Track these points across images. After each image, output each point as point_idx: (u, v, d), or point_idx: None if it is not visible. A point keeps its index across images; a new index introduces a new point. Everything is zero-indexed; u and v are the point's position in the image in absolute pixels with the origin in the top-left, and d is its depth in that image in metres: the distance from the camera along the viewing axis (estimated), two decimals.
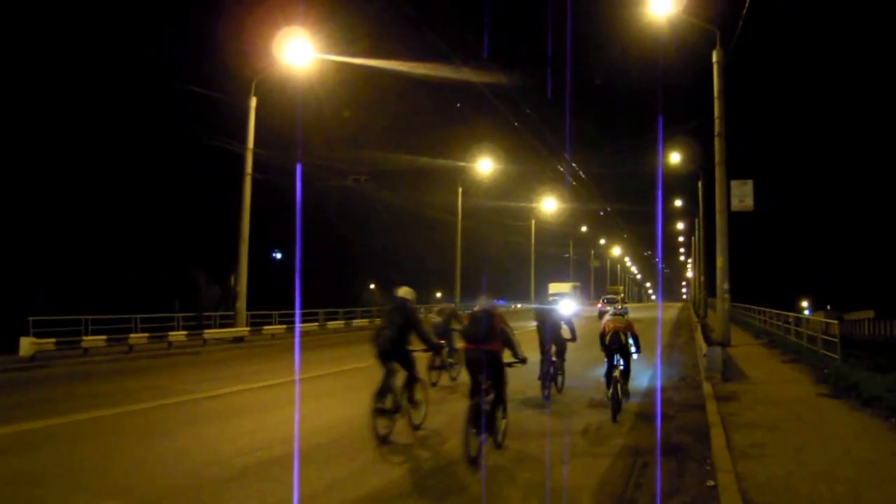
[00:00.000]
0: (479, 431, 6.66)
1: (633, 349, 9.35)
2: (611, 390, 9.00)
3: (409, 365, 7.91)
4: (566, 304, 11.27)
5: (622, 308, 11.60)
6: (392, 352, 7.80)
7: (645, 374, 13.54)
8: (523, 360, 7.20)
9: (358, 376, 13.99)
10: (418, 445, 7.60)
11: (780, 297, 40.25)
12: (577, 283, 56.60)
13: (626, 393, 9.41)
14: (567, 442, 7.73)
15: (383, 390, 7.62)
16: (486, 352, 6.91)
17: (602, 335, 9.40)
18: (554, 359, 10.51)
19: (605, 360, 9.36)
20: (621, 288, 69.90)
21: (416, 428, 8.06)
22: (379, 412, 7.51)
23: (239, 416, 9.46)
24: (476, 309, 7.33)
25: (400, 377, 7.90)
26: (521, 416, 8.88)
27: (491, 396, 6.95)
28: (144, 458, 7.06)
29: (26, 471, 6.60)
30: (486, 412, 6.76)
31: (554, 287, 50.83)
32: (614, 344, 9.17)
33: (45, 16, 32.99)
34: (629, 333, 9.37)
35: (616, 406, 8.84)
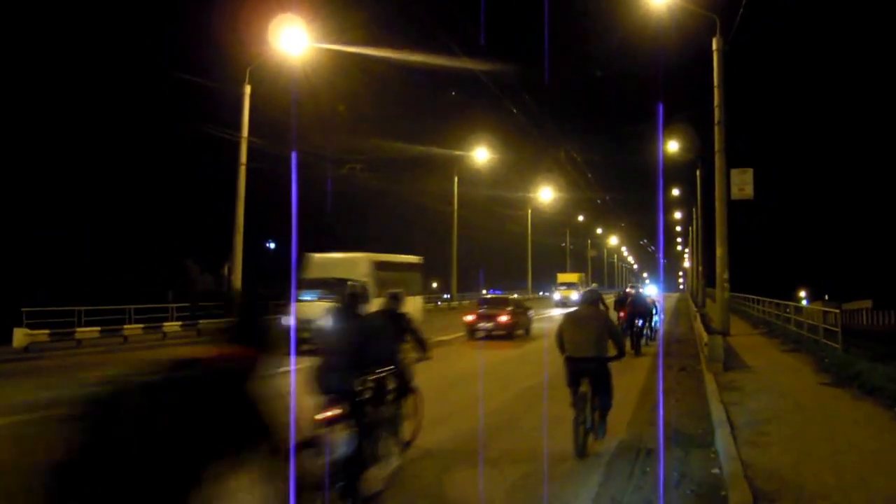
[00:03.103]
0: (634, 345, 14.88)
1: (654, 312, 17.76)
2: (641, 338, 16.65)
3: None
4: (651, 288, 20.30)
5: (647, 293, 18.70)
6: None
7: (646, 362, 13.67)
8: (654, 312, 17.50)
9: None
10: None
11: (777, 286, 40.05)
12: (416, 259, 24.08)
13: (652, 334, 17.69)
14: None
15: None
16: (645, 311, 16.45)
17: None
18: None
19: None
20: (579, 276, 57.93)
21: None
22: None
23: None
24: (633, 292, 17.75)
25: None
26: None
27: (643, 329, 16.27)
28: None
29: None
30: (639, 337, 15.68)
31: (319, 260, 19.72)
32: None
33: (39, 13, 32.68)
34: (652, 304, 17.95)
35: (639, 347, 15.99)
